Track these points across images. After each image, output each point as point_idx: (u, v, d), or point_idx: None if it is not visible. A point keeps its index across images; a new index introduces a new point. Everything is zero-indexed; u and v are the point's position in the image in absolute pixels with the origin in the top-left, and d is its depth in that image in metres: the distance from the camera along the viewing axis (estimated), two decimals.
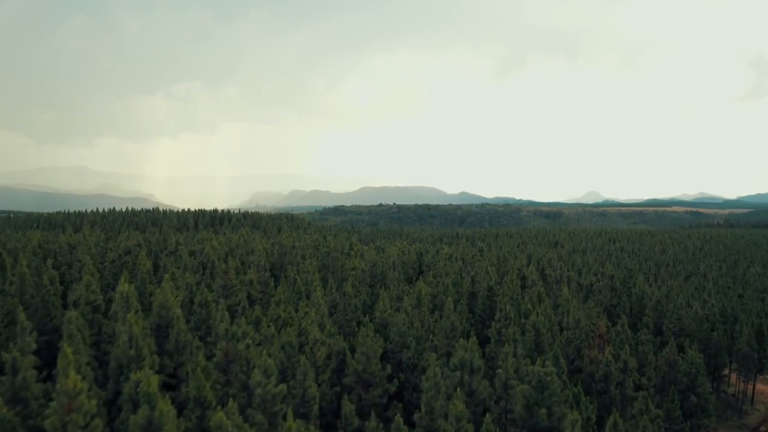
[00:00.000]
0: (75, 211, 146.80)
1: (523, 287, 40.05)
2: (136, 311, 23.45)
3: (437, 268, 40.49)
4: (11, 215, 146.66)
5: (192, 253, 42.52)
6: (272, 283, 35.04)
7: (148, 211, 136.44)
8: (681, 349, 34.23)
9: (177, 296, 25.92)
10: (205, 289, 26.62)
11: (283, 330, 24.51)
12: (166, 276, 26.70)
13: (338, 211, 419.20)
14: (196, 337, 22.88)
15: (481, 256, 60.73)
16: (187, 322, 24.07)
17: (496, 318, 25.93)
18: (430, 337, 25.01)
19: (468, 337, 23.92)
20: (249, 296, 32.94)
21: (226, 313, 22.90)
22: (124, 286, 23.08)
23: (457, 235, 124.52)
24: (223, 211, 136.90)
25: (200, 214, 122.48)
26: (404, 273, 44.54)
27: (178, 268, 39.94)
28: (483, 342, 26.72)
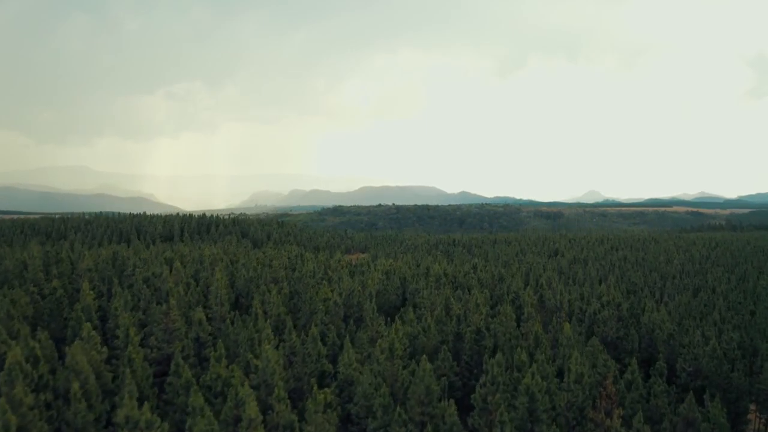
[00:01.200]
0: (58, 216, 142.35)
1: (518, 320, 35.48)
2: (32, 380, 18.82)
3: (422, 297, 35.83)
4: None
5: (147, 280, 37.97)
6: (230, 320, 30.46)
7: (134, 216, 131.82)
8: (698, 396, 29.66)
9: (95, 354, 21.27)
10: (135, 345, 21.94)
11: (219, 399, 19.87)
12: (85, 327, 22.04)
13: (337, 211, 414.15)
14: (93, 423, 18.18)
15: (474, 273, 56.05)
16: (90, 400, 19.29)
17: (481, 382, 21.36)
18: (398, 408, 20.39)
19: (448, 396, 19.36)
20: (198, 339, 28.31)
21: (134, 386, 18.25)
22: (15, 351, 18.42)
23: (454, 242, 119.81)
24: (212, 216, 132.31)
25: (186, 220, 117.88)
26: (386, 301, 39.92)
27: (132, 297, 35.39)
28: (466, 408, 22.14)
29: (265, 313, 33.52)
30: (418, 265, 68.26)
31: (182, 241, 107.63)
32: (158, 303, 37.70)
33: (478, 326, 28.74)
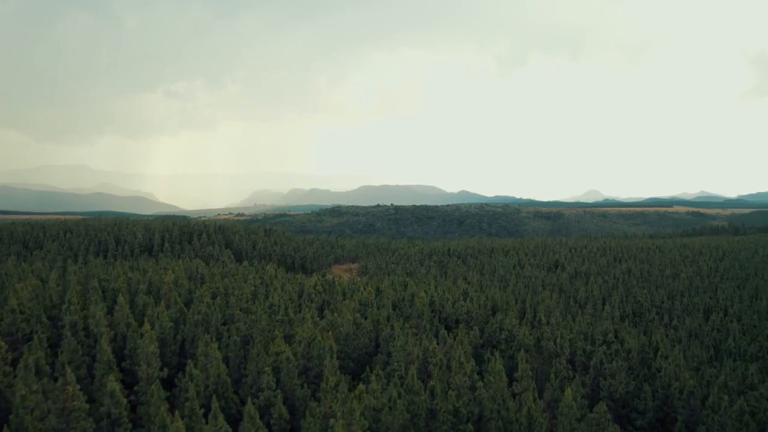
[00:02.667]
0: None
1: (510, 376, 29.82)
2: None
3: (396, 347, 30.15)
4: None
5: (74, 325, 32.31)
6: (154, 389, 24.74)
7: (116, 223, 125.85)
8: None
9: None
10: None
11: None
12: None
13: (335, 212, 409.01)
14: None
15: (465, 300, 50.35)
16: None
17: None
18: None
19: None
20: (110, 416, 22.64)
21: None
22: None
23: (449, 251, 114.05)
24: (197, 223, 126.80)
25: (168, 229, 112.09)
26: (357, 346, 34.23)
27: (48, 354, 29.74)
28: None
29: (206, 370, 27.87)
30: (405, 287, 62.63)
31: (162, 252, 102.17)
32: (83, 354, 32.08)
33: (456, 407, 23.03)
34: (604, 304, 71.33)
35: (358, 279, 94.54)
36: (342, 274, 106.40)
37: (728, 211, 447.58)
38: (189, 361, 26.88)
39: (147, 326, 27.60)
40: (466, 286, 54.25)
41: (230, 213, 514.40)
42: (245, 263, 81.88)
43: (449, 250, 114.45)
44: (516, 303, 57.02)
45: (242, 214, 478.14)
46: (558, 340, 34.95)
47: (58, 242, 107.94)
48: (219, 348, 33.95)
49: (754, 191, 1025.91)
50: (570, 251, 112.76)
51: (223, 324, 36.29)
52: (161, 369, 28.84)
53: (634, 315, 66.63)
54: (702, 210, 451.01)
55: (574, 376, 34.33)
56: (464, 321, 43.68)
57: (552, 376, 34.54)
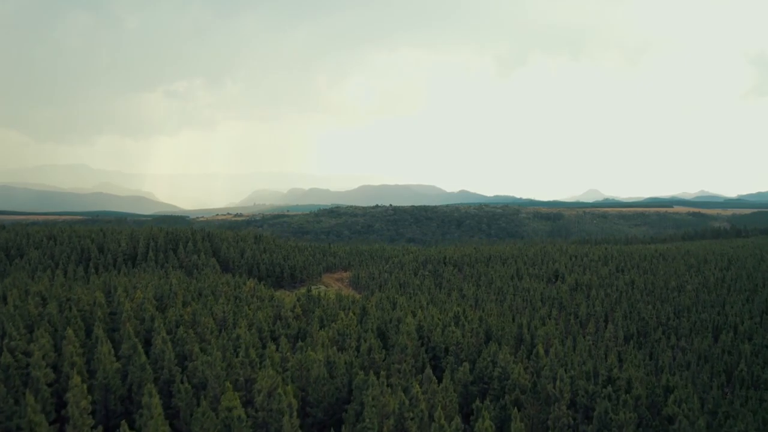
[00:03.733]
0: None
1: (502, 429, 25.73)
2: None
3: (369, 397, 26.02)
4: None
5: (6, 370, 28.32)
6: None
7: (101, 229, 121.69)
8: None
9: None
10: None
11: None
12: None
13: (333, 213, 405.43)
14: None
15: (456, 326, 46.26)
16: None
17: None
18: None
19: None
20: None
21: None
22: None
23: (444, 259, 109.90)
24: (197, 219, 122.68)
25: (154, 236, 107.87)
26: (328, 393, 30.10)
27: None
28: None
29: (146, 426, 23.77)
30: (394, 306, 58.59)
31: (145, 261, 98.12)
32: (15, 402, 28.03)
33: None
34: (606, 322, 67.26)
35: (347, 292, 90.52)
36: (333, 283, 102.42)
37: (729, 212, 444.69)
38: (123, 421, 22.74)
39: (77, 378, 23.48)
40: (458, 309, 50.06)
41: (228, 213, 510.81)
42: (228, 276, 77.77)
43: (445, 258, 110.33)
44: (513, 322, 52.90)
45: (240, 215, 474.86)
46: (558, 382, 30.82)
47: (40, 250, 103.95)
48: (172, 395, 29.93)
49: (754, 191, 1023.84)
50: (570, 259, 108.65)
51: (179, 365, 32.17)
52: (94, 427, 24.77)
53: (638, 335, 62.51)
54: (703, 210, 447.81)
55: (576, 426, 30.26)
56: (454, 353, 39.55)
57: (550, 423, 30.50)
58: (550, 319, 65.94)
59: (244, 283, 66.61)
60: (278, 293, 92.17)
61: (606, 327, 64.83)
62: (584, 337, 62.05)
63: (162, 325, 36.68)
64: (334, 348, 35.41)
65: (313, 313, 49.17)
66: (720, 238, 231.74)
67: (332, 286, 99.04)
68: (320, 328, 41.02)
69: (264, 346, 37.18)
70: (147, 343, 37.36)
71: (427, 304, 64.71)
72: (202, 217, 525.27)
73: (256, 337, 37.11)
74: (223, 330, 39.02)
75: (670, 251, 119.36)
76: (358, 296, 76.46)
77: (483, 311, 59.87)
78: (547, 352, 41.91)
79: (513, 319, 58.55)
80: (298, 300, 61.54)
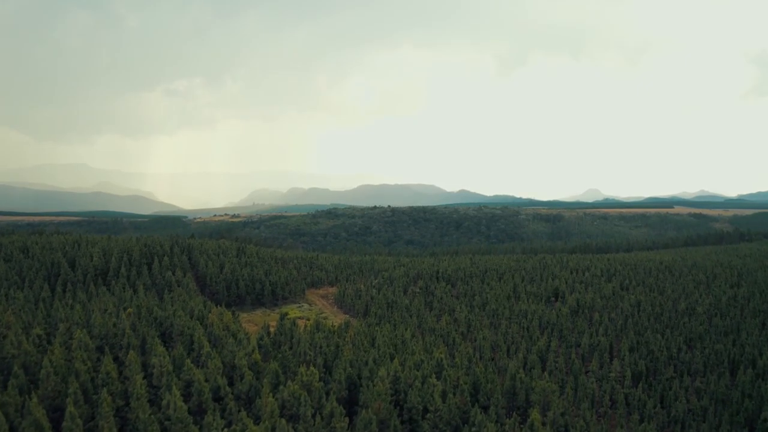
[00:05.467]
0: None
1: None
2: None
3: None
4: None
5: None
6: None
7: (76, 240, 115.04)
8: None
9: None
10: None
11: None
12: None
13: (331, 214, 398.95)
14: None
15: (438, 377, 39.86)
16: None
17: None
18: None
19: None
20: None
21: None
22: None
23: (437, 274, 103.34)
24: (194, 220, 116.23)
25: (127, 250, 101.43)
26: None
27: None
28: None
29: None
30: (372, 343, 52.23)
31: (117, 278, 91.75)
32: None
33: None
34: (611, 356, 60.80)
35: (330, 312, 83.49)
36: (317, 301, 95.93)
37: (730, 212, 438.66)
38: None
39: None
40: (441, 356, 43.61)
41: (226, 214, 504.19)
42: (197, 300, 71.22)
43: (438, 272, 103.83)
44: (505, 374, 46.47)
45: (237, 215, 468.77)
46: None
47: (10, 264, 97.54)
48: None
49: (754, 191, 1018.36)
50: (571, 274, 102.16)
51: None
52: None
53: (648, 373, 55.98)
54: (704, 211, 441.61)
55: None
56: (432, 422, 33.10)
57: None
58: (549, 351, 59.48)
59: (210, 311, 60.00)
60: (257, 314, 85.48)
61: (611, 362, 58.43)
62: (587, 374, 55.68)
63: (78, 390, 30.25)
64: (283, 421, 28.97)
65: (276, 355, 42.78)
66: (723, 242, 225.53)
67: (316, 305, 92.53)
68: (274, 389, 34.58)
69: (203, 415, 30.78)
70: (57, 410, 30.97)
71: (412, 336, 58.34)
72: (200, 218, 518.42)
73: (195, 402, 30.70)
74: (157, 393, 32.57)
75: (676, 264, 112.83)
76: (337, 323, 70.07)
77: (471, 357, 53.41)
78: (544, 413, 35.46)
79: (509, 348, 52.18)
80: (268, 333, 55.26)
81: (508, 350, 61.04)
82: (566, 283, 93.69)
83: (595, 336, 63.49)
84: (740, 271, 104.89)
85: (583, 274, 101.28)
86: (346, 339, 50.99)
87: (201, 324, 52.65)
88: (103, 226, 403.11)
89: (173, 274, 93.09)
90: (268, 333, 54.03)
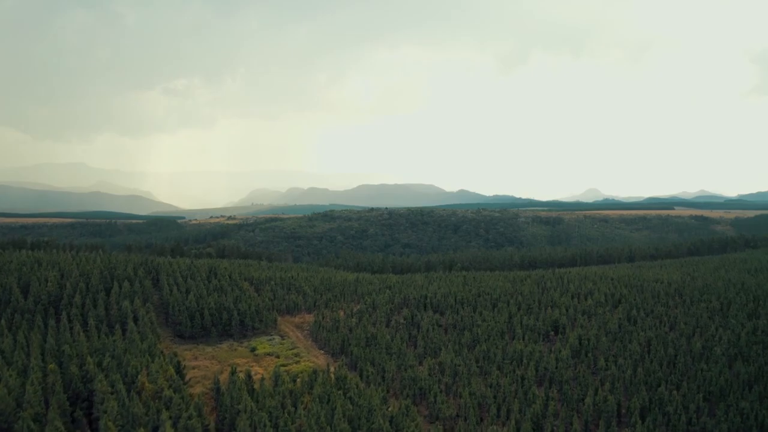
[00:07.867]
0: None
1: None
2: None
3: None
4: None
5: None
6: None
7: (37, 260, 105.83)
8: None
9: None
10: None
11: None
12: None
13: (327, 216, 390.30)
14: None
15: None
16: None
17: None
18: None
19: None
20: None
21: None
22: None
23: (425, 300, 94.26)
24: (190, 222, 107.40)
25: (85, 273, 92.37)
26: None
27: None
28: None
29: None
30: (333, 411, 43.10)
31: (71, 306, 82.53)
32: None
33: None
34: (620, 420, 51.77)
35: (303, 346, 72.96)
36: (290, 332, 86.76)
37: (731, 214, 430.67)
38: None
39: None
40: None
41: (222, 216, 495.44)
42: (143, 346, 62.00)
43: (426, 298, 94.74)
44: (499, 415, 37.60)
45: (233, 217, 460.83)
46: None
47: None
48: None
49: (754, 191, 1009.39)
50: (572, 299, 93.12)
51: None
52: None
53: None
54: (705, 213, 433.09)
55: None
56: None
57: None
58: (546, 416, 50.52)
59: (153, 360, 50.78)
60: (222, 347, 74.58)
61: (619, 427, 49.49)
62: None
63: None
64: None
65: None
66: (728, 250, 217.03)
67: (289, 337, 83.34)
68: None
69: None
70: None
71: (382, 401, 49.27)
72: (195, 219, 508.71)
73: None
74: None
75: (686, 286, 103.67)
76: (307, 367, 60.91)
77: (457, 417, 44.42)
78: None
79: None
80: (218, 390, 46.39)
81: (498, 410, 52.07)
82: (567, 312, 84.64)
83: (601, 392, 54.39)
84: (756, 295, 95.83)
85: (586, 300, 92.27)
86: (300, 410, 41.90)
87: (126, 392, 43.58)
88: (97, 228, 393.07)
89: (132, 302, 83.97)
90: (218, 389, 45.04)
